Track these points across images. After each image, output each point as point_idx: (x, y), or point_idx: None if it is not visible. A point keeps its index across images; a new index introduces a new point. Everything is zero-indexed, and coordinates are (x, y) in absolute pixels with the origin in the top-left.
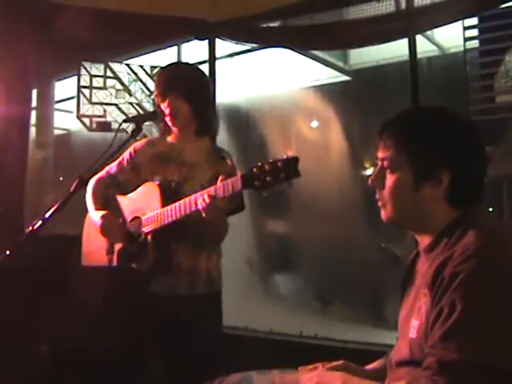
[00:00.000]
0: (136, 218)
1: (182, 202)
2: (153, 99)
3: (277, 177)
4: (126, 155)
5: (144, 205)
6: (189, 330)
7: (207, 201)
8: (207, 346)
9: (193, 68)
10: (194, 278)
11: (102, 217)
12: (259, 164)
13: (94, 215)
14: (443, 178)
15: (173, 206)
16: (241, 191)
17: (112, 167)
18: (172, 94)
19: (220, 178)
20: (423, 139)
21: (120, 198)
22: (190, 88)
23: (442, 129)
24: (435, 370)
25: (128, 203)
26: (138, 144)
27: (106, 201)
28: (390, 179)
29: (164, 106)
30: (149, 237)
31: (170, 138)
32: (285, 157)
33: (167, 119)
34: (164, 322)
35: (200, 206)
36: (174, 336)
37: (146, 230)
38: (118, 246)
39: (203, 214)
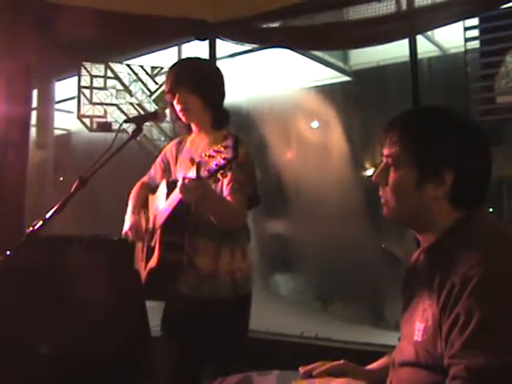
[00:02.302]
0: (155, 217)
1: (175, 190)
2: (154, 100)
3: (218, 163)
4: (159, 158)
5: (158, 203)
6: (207, 333)
7: (180, 182)
8: (223, 350)
9: (202, 61)
10: (215, 281)
11: (131, 226)
12: (213, 149)
13: (126, 221)
14: (446, 177)
15: (170, 197)
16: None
17: (151, 170)
18: (181, 89)
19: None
20: (428, 138)
21: (151, 198)
22: (199, 81)
23: (447, 129)
24: (465, 378)
25: (153, 203)
26: (168, 146)
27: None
28: (393, 176)
29: (175, 103)
30: (158, 233)
31: (191, 136)
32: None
33: (180, 115)
34: (185, 323)
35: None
36: (193, 338)
37: (156, 226)
38: (146, 249)
39: (183, 199)
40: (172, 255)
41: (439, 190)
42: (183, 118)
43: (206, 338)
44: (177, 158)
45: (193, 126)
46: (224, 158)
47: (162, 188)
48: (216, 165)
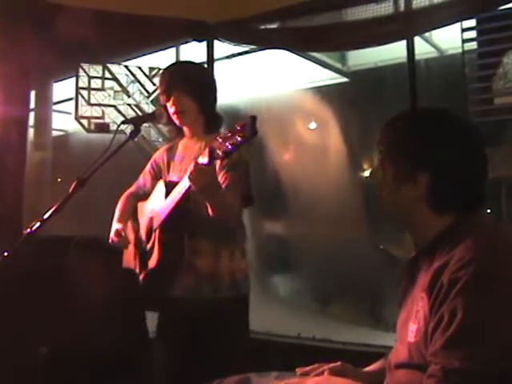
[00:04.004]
0: (151, 219)
1: (176, 186)
2: (152, 101)
3: (235, 141)
4: (148, 166)
5: (155, 204)
6: (208, 334)
7: (191, 168)
8: (226, 350)
9: (196, 65)
10: (216, 281)
11: (115, 232)
12: (224, 132)
13: (112, 228)
14: (420, 179)
15: (170, 194)
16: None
17: (139, 179)
18: (177, 91)
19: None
20: (405, 139)
21: (141, 205)
22: (194, 84)
23: (426, 131)
24: (439, 377)
25: (146, 207)
26: (157, 154)
27: (134, 211)
28: (381, 173)
29: (169, 105)
30: (157, 233)
31: (183, 141)
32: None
33: (174, 117)
34: (184, 325)
35: (188, 179)
36: (193, 339)
37: (154, 227)
38: (138, 253)
39: (192, 186)
40: (172, 255)
41: (415, 191)
42: (177, 121)
43: (208, 339)
44: (169, 164)
45: (185, 130)
46: (241, 137)
47: (159, 189)
48: (232, 144)
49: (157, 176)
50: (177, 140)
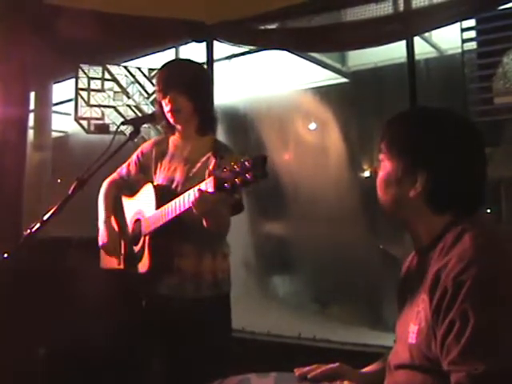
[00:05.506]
0: (137, 221)
1: (174, 201)
2: (151, 102)
3: (246, 179)
4: (134, 157)
5: (143, 207)
6: (193, 332)
7: (196, 195)
8: (211, 348)
9: (194, 64)
10: (199, 281)
11: (107, 243)
12: (231, 164)
13: (100, 227)
14: (419, 178)
15: (166, 206)
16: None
17: (123, 169)
18: (174, 90)
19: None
20: (408, 138)
21: (126, 200)
22: (191, 84)
23: (429, 131)
24: None
25: (132, 205)
26: (145, 145)
27: (117, 202)
28: (380, 168)
29: (165, 103)
30: (147, 239)
31: (173, 137)
32: (254, 156)
33: (168, 116)
34: (169, 324)
35: (190, 203)
36: (178, 338)
37: (144, 232)
38: (124, 250)
39: (194, 210)
40: (163, 261)
41: (415, 190)
42: (171, 119)
43: (191, 337)
44: (157, 161)
45: (178, 128)
46: (252, 176)
47: (148, 192)
48: (241, 181)
49: (143, 168)
50: (167, 136)
